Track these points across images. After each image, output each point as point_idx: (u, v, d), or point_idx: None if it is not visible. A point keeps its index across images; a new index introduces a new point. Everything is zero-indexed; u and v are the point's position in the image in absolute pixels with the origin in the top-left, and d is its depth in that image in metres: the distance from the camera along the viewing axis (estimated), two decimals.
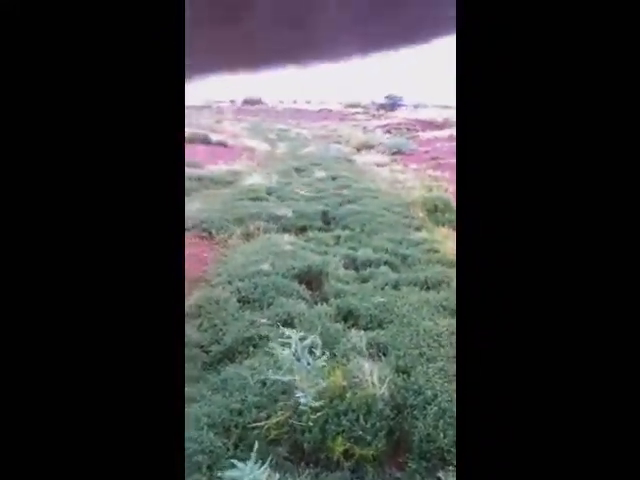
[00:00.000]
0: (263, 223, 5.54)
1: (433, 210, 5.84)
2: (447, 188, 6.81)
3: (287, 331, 2.35)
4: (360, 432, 2.01)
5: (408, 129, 16.50)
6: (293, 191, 7.34)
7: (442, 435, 1.94)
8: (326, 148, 12.40)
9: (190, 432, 2.04)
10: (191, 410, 2.23)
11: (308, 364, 2.25)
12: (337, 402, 2.17)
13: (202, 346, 2.97)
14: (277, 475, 1.81)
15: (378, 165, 10.21)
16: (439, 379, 2.28)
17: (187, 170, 8.84)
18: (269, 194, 7.16)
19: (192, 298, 3.66)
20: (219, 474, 1.81)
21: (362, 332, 2.94)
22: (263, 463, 1.74)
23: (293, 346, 2.27)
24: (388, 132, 16.01)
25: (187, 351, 2.95)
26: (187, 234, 5.29)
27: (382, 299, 3.36)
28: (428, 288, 3.56)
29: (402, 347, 2.65)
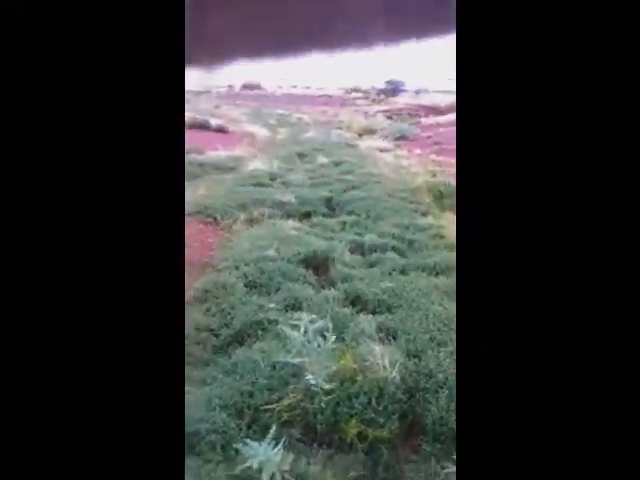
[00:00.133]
0: (267, 209, 5.52)
1: (439, 195, 5.81)
2: (451, 173, 6.77)
3: (297, 314, 2.36)
4: (373, 415, 2.02)
5: (410, 114, 16.35)
6: (296, 177, 7.29)
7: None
8: (327, 133, 12.30)
9: (202, 413, 2.05)
10: (202, 392, 2.24)
11: (318, 347, 2.25)
12: (348, 385, 2.18)
13: (211, 330, 2.97)
14: (291, 455, 1.81)
15: (381, 150, 10.14)
16: (450, 363, 2.28)
17: (188, 156, 8.78)
18: (272, 180, 7.11)
19: (199, 283, 3.66)
20: (233, 453, 1.82)
21: (371, 316, 2.94)
22: (277, 444, 1.75)
23: (303, 329, 2.27)
24: (390, 117, 15.86)
25: (196, 335, 2.96)
26: (192, 220, 5.27)
27: (390, 284, 3.35)
28: (437, 273, 3.55)
29: (412, 331, 2.65)
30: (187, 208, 5.49)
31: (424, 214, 5.28)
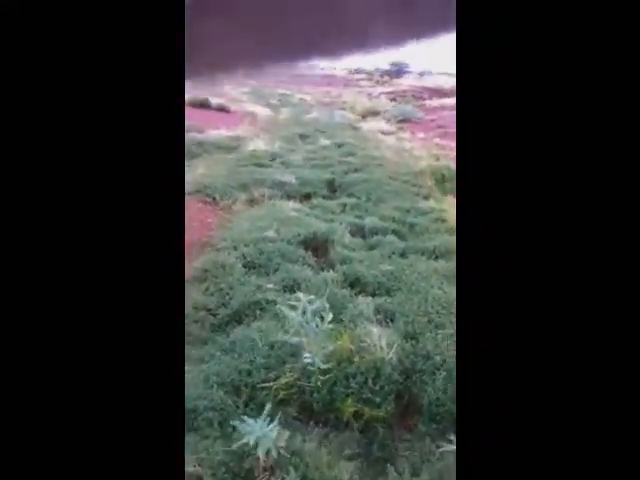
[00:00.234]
0: (267, 189, 5.48)
1: (441, 179, 5.77)
2: (454, 157, 6.71)
3: (295, 295, 2.36)
4: (369, 394, 2.04)
5: (414, 96, 16.11)
6: (297, 158, 7.23)
7: (452, 399, 1.96)
8: (330, 114, 12.15)
9: (199, 390, 2.07)
10: (200, 370, 2.25)
11: (316, 327, 2.26)
12: (345, 365, 2.19)
13: (209, 309, 2.98)
14: (287, 432, 1.83)
15: (384, 133, 10.02)
16: (448, 345, 2.28)
17: (188, 135, 8.70)
18: (273, 160, 7.06)
19: (198, 262, 3.66)
20: (230, 430, 1.83)
21: (369, 299, 2.94)
22: (272, 421, 1.77)
23: (301, 309, 2.27)
24: (393, 99, 15.64)
25: (194, 313, 2.97)
26: (191, 199, 5.24)
27: (389, 267, 3.34)
28: (436, 257, 3.55)
29: (410, 314, 2.65)
30: (187, 187, 5.45)
31: (426, 197, 5.24)
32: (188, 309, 3.02)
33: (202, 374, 2.19)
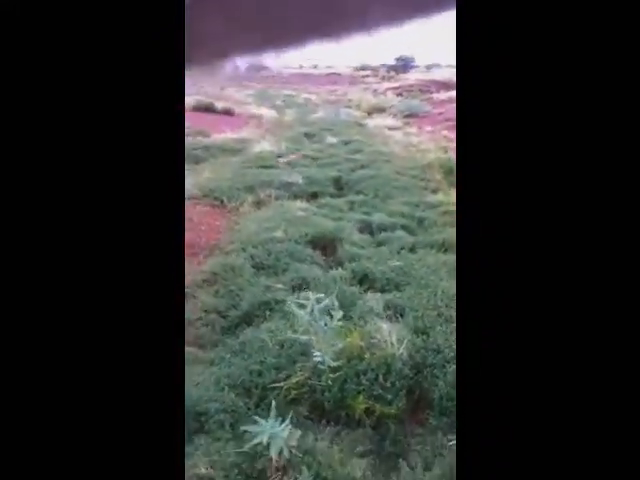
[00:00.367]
0: (274, 190, 5.49)
1: (449, 172, 5.70)
2: None
3: (304, 293, 2.35)
4: (380, 391, 2.02)
5: (421, 90, 15.98)
6: (303, 157, 7.23)
7: None
8: (336, 113, 12.13)
9: (210, 393, 2.07)
10: (211, 372, 2.26)
11: (325, 325, 2.25)
12: (356, 362, 2.18)
13: (219, 311, 3.00)
14: (298, 432, 1.83)
15: (390, 128, 9.97)
16: None
17: (194, 139, 8.77)
18: (279, 157, 7.07)
19: (207, 265, 3.68)
20: (241, 431, 1.84)
21: (379, 295, 2.92)
22: (283, 421, 1.76)
23: (309, 307, 2.26)
24: (400, 94, 15.54)
25: (205, 316, 2.98)
26: (198, 203, 5.28)
27: (398, 262, 3.32)
28: (446, 250, 3.51)
29: (420, 308, 2.63)
30: (194, 192, 5.50)
31: (434, 191, 5.19)
32: (198, 312, 3.04)
33: (213, 376, 2.20)
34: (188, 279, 3.32)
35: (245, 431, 1.79)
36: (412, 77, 20.18)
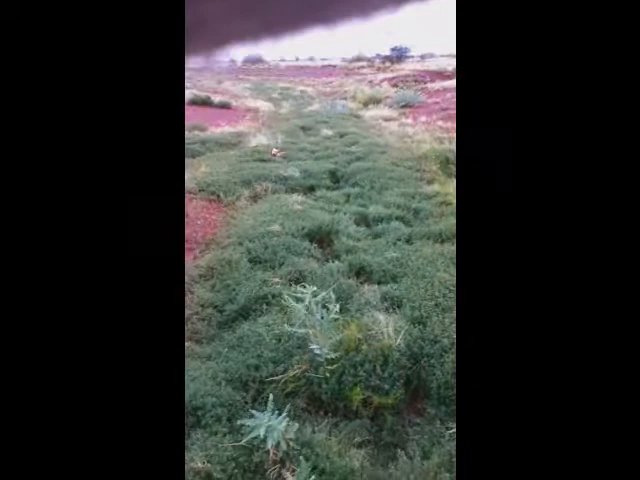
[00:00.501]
0: (270, 184, 5.47)
1: (445, 162, 5.68)
2: None
3: (300, 287, 2.34)
4: (377, 381, 2.02)
5: (416, 81, 15.89)
6: (300, 151, 7.19)
7: None
8: (332, 105, 12.06)
9: (207, 387, 2.07)
10: (208, 367, 2.26)
11: (322, 318, 2.24)
12: (353, 354, 2.18)
13: (216, 306, 2.99)
14: (295, 424, 1.83)
15: (386, 119, 9.92)
16: (455, 327, 2.25)
17: (191, 133, 8.72)
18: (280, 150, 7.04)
19: (203, 260, 3.67)
20: (239, 425, 1.84)
21: (375, 287, 2.92)
22: (281, 414, 1.76)
23: (306, 301, 2.25)
24: (395, 85, 15.45)
25: (201, 311, 2.98)
26: (195, 198, 5.25)
27: (395, 254, 3.31)
28: (442, 241, 3.50)
29: (417, 299, 2.62)
30: (190, 186, 5.47)
31: (430, 182, 5.17)
32: (195, 307, 3.03)
33: (210, 371, 2.20)
34: (184, 274, 3.31)
35: (242, 425, 1.79)
36: (407, 67, 20.08)
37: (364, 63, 25.38)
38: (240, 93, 15.62)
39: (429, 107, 11.11)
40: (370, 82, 17.22)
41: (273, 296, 2.91)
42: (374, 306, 2.65)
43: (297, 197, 4.93)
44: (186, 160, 6.89)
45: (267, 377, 2.15)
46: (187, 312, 2.91)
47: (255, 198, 5.25)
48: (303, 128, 9.29)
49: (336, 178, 5.81)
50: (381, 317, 2.47)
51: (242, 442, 1.74)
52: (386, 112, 10.78)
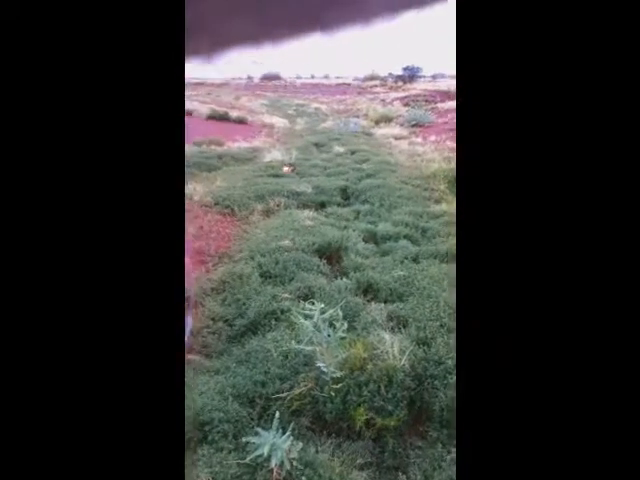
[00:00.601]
0: (283, 199, 5.55)
1: (453, 181, 5.71)
2: None
3: (308, 304, 2.38)
4: (381, 402, 2.04)
5: (427, 100, 16.03)
6: (313, 167, 7.29)
7: None
8: (345, 122, 12.22)
9: (215, 402, 2.11)
10: (216, 381, 2.30)
11: (329, 336, 2.28)
12: (358, 373, 2.20)
13: (226, 320, 3.04)
14: (300, 444, 1.85)
15: (397, 138, 10.01)
16: None
17: (208, 147, 8.91)
18: (291, 167, 7.14)
19: (216, 273, 3.73)
20: (244, 442, 1.86)
21: (382, 305, 2.94)
22: (285, 432, 1.79)
23: (315, 318, 2.29)
24: (407, 104, 15.60)
25: (212, 324, 3.03)
26: (209, 211, 5.35)
27: (402, 272, 3.34)
28: (448, 261, 3.52)
29: (422, 319, 2.64)
30: (206, 199, 5.58)
31: (438, 201, 5.20)
32: (206, 320, 3.09)
33: (218, 385, 2.24)
34: (196, 287, 3.37)
35: (247, 442, 1.82)
36: (419, 87, 20.26)
37: (377, 82, 25.70)
38: (257, 109, 15.90)
39: (439, 127, 11.18)
40: (382, 101, 17.41)
41: (282, 311, 2.95)
42: (380, 325, 2.67)
43: (308, 213, 5.00)
44: (203, 174, 7.03)
45: (273, 394, 2.18)
46: (197, 325, 2.96)
47: (268, 213, 5.33)
48: (316, 145, 9.42)
49: (347, 195, 5.88)
50: (387, 336, 2.49)
51: (246, 460, 1.77)
52: (397, 131, 10.89)
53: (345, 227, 4.51)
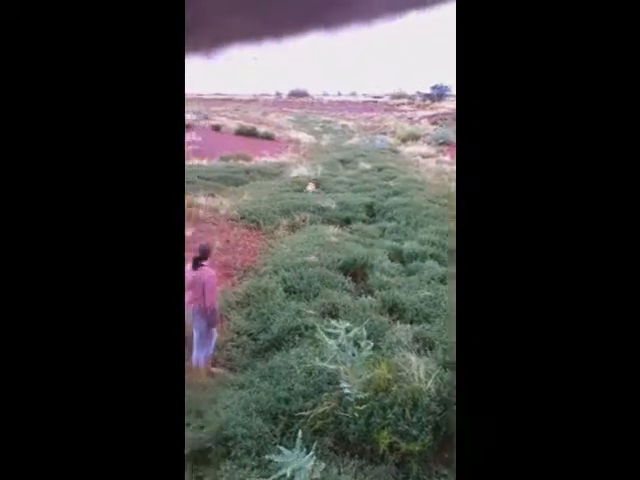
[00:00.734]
0: (308, 214, 5.59)
1: None
2: None
3: (333, 322, 2.37)
4: (406, 426, 2.00)
5: (455, 119, 15.95)
6: (338, 183, 7.34)
7: None
8: (371, 139, 12.29)
9: (239, 417, 2.11)
10: (240, 396, 2.31)
11: (353, 355, 2.26)
12: (382, 395, 2.17)
13: (251, 334, 3.06)
14: (322, 464, 1.83)
15: (424, 156, 10.00)
16: None
17: (235, 162, 9.10)
18: (315, 186, 7.21)
19: (241, 287, 3.77)
20: (267, 459, 1.86)
21: (408, 326, 2.91)
22: (308, 451, 1.78)
23: (340, 337, 2.28)
24: (434, 123, 15.58)
25: (236, 338, 3.05)
26: (236, 225, 5.45)
27: (429, 293, 3.30)
28: None
29: (449, 342, 2.59)
30: (233, 213, 5.68)
31: None
32: (230, 334, 3.12)
33: (242, 400, 2.25)
34: (222, 300, 3.41)
35: (270, 460, 1.81)
36: (447, 105, 20.22)
37: (405, 100, 25.82)
38: (284, 125, 16.19)
39: None
40: (410, 119, 17.45)
41: (306, 328, 2.95)
42: (405, 346, 2.64)
43: (334, 229, 5.02)
44: (230, 188, 7.17)
45: (296, 411, 2.17)
46: (222, 339, 2.99)
47: (293, 228, 5.38)
48: (342, 161, 9.48)
49: (372, 212, 5.88)
50: (412, 358, 2.45)
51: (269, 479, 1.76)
52: (424, 149, 10.87)
53: (370, 244, 4.50)
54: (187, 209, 5.78)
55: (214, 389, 2.46)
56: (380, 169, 8.37)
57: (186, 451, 1.97)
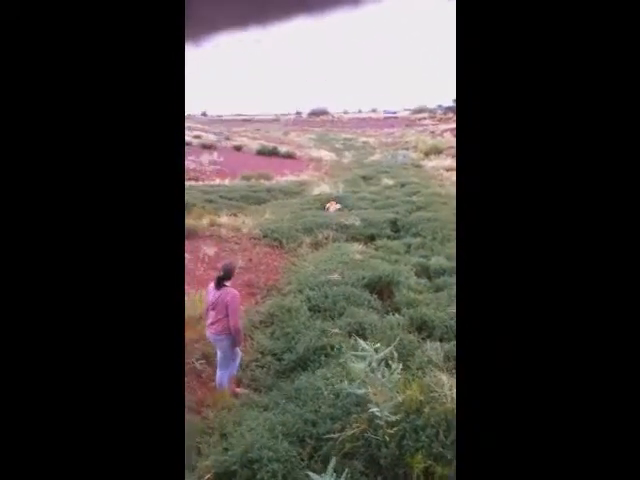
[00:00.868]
0: (331, 232, 5.57)
1: None
2: None
3: (361, 343, 2.30)
4: (440, 449, 1.90)
5: None
6: (361, 200, 7.31)
7: None
8: (393, 155, 12.28)
9: (264, 440, 2.05)
10: (265, 418, 2.25)
11: (383, 377, 2.18)
12: (414, 417, 2.07)
13: (275, 354, 3.01)
14: None
15: (448, 170, 9.89)
16: None
17: (257, 182, 9.22)
18: (337, 203, 7.20)
19: (265, 306, 3.75)
20: None
21: (438, 344, 2.80)
22: (339, 477, 1.70)
23: (368, 359, 2.21)
24: None
25: (261, 358, 3.01)
26: (258, 244, 5.47)
27: None
28: None
29: None
30: (255, 232, 5.72)
31: None
32: (255, 354, 3.07)
33: (267, 422, 2.18)
34: (246, 319, 3.38)
35: None
36: None
37: (426, 114, 25.85)
38: (305, 143, 16.40)
39: None
40: (432, 133, 17.42)
41: (332, 347, 2.88)
42: (436, 365, 2.53)
43: (358, 246, 4.96)
44: (252, 207, 7.24)
45: (324, 434, 2.09)
46: (246, 358, 2.95)
47: (316, 245, 5.35)
48: (364, 178, 9.48)
49: (397, 228, 5.80)
50: (444, 378, 2.35)
51: None
52: (448, 162, 10.77)
53: (396, 261, 4.42)
54: (210, 228, 5.85)
55: (238, 410, 2.41)
56: (403, 185, 8.31)
57: (210, 473, 1.92)
